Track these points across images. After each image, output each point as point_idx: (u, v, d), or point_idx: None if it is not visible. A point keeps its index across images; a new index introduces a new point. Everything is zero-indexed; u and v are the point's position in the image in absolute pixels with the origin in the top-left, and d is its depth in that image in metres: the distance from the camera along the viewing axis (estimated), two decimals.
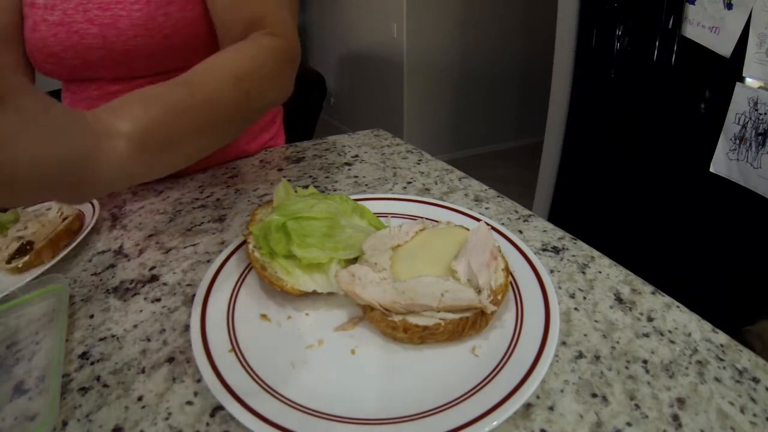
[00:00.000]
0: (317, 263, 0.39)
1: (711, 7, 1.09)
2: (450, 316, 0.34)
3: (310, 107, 2.30)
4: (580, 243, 0.47)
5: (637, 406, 0.30)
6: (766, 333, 0.79)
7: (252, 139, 0.76)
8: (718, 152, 1.14)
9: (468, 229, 0.42)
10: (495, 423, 0.27)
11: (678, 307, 0.38)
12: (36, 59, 0.60)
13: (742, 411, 0.29)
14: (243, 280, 0.41)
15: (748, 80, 1.04)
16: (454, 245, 0.40)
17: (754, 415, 0.29)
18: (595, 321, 0.37)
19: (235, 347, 0.34)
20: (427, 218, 0.48)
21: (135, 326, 0.39)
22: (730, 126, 1.10)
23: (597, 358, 0.33)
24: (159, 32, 0.56)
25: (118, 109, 0.35)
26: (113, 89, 0.62)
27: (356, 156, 0.71)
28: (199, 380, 0.33)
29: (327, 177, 0.64)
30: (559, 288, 0.41)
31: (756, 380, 0.31)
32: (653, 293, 0.40)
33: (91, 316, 0.41)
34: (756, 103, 1.03)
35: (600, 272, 0.42)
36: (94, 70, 0.60)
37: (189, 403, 0.32)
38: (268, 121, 0.79)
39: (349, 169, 0.66)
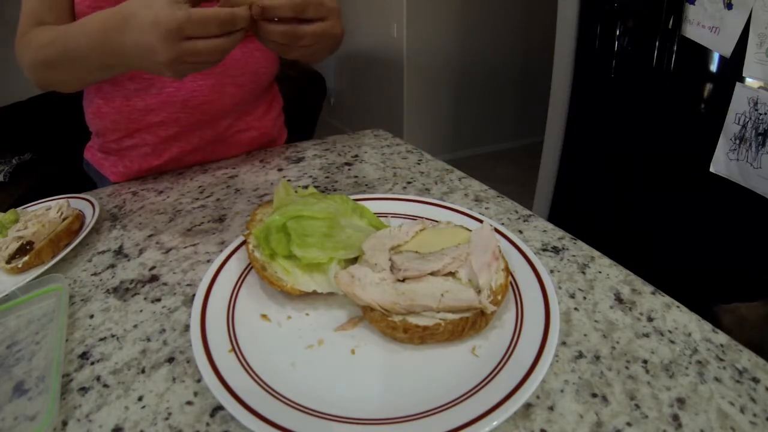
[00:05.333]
0: (317, 263, 0.39)
1: (711, 7, 1.09)
2: (450, 316, 0.34)
3: (310, 107, 2.30)
4: (580, 243, 0.47)
5: (637, 406, 0.30)
6: (738, 310, 0.80)
7: (266, 131, 0.77)
8: (718, 152, 1.14)
9: (468, 230, 0.42)
10: (495, 423, 0.27)
11: (678, 307, 0.38)
12: (93, 1, 0.56)
13: (742, 411, 0.29)
14: (243, 280, 0.41)
15: (748, 80, 1.04)
16: (454, 245, 0.40)
17: (754, 415, 0.29)
18: (595, 321, 0.37)
19: (235, 347, 0.34)
20: (427, 218, 0.48)
21: (135, 326, 0.39)
22: (730, 126, 1.09)
23: (597, 358, 0.33)
24: None
25: None
26: None
27: (356, 156, 0.71)
28: (199, 380, 0.33)
29: (327, 177, 0.64)
30: (559, 288, 0.41)
31: (756, 380, 0.31)
32: (653, 293, 0.40)
33: (91, 316, 0.41)
34: (756, 103, 1.03)
35: (600, 272, 0.42)
36: None
37: (189, 403, 0.32)
38: (276, 115, 0.79)
39: (349, 169, 0.66)
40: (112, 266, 0.48)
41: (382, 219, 0.47)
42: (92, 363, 0.35)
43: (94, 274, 0.47)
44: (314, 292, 0.38)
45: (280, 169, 0.68)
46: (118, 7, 0.43)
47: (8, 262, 0.48)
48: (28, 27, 0.57)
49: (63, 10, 0.58)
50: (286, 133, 0.85)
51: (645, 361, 0.33)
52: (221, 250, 0.46)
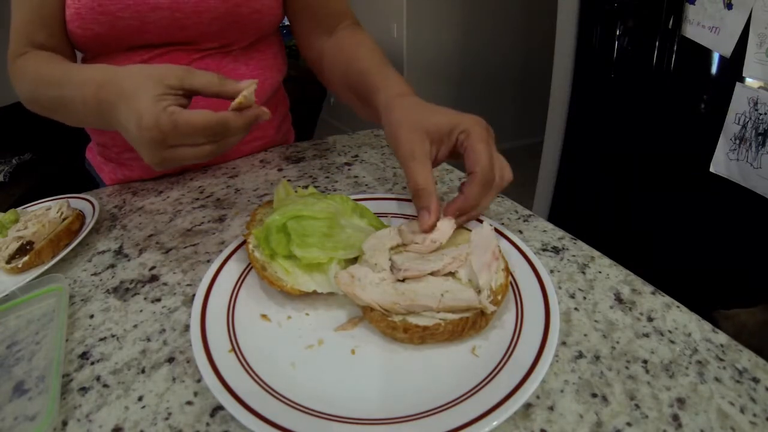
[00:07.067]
0: (317, 263, 0.39)
1: (711, 7, 1.09)
2: (450, 316, 0.34)
3: (310, 107, 2.30)
4: (580, 243, 0.47)
5: (637, 406, 0.30)
6: (738, 317, 0.80)
7: (269, 139, 0.77)
8: (718, 152, 1.14)
9: (468, 230, 0.42)
10: (495, 423, 0.27)
11: (678, 307, 0.38)
12: (82, 22, 0.55)
13: (742, 411, 0.29)
14: (243, 280, 0.41)
15: (748, 80, 1.04)
16: (454, 245, 0.40)
17: (754, 415, 0.29)
18: (595, 321, 0.37)
19: (235, 347, 0.34)
20: None
21: (135, 326, 0.39)
22: (730, 126, 1.10)
23: (597, 358, 0.33)
24: None
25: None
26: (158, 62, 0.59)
27: (356, 156, 0.71)
28: (199, 380, 0.33)
29: (327, 177, 0.64)
30: (559, 288, 0.41)
31: (756, 380, 0.31)
32: (653, 293, 0.40)
33: (91, 316, 0.41)
34: (756, 103, 1.03)
35: (600, 272, 0.42)
36: (141, 35, 0.57)
37: (189, 403, 0.32)
38: (280, 121, 0.79)
39: (349, 169, 0.66)
40: (112, 266, 0.48)
41: (382, 219, 0.47)
42: (92, 363, 0.35)
43: (94, 274, 0.47)
44: (314, 292, 0.38)
45: (280, 169, 0.68)
46: (113, 75, 0.41)
47: (8, 262, 0.48)
48: (21, 47, 0.56)
49: (55, 28, 0.56)
50: (293, 136, 0.85)
51: (645, 361, 0.33)
52: (221, 250, 0.46)
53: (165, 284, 0.44)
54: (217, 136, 0.38)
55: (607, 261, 0.44)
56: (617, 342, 0.35)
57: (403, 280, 0.37)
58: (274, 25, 0.67)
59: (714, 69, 1.13)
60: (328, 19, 0.64)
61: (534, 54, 2.96)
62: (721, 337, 0.35)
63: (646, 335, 0.35)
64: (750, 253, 1.13)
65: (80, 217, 0.54)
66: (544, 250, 0.46)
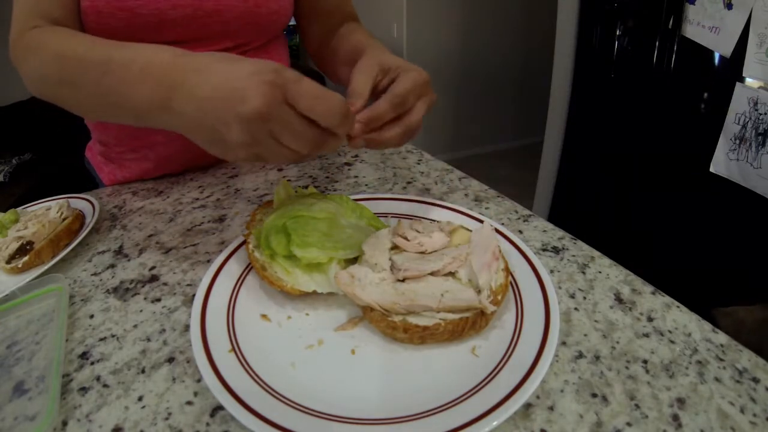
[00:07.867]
0: (317, 263, 0.39)
1: (711, 7, 1.09)
2: (450, 316, 0.34)
3: None
4: (580, 243, 0.47)
5: (637, 406, 0.30)
6: (737, 314, 0.80)
7: None
8: (718, 152, 1.14)
9: (468, 230, 0.42)
10: (495, 423, 0.27)
11: (678, 307, 0.38)
12: (97, 16, 0.52)
13: (742, 411, 0.29)
14: (243, 280, 0.41)
15: (748, 80, 1.04)
16: (454, 245, 0.40)
17: (754, 415, 0.29)
18: (595, 321, 0.37)
19: (235, 347, 0.34)
20: (427, 218, 0.48)
21: (135, 326, 0.39)
22: (730, 126, 1.10)
23: (597, 358, 0.33)
24: None
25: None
26: None
27: (356, 156, 0.71)
28: (199, 380, 0.33)
29: (327, 177, 0.64)
30: (559, 288, 0.41)
31: (756, 380, 0.31)
32: (653, 293, 0.40)
33: (91, 316, 0.41)
34: (756, 103, 1.03)
35: (600, 272, 0.42)
36: (159, 33, 0.55)
37: (189, 403, 0.32)
38: None
39: (349, 169, 0.66)
40: (112, 266, 0.48)
41: (382, 219, 0.47)
42: (92, 363, 0.35)
43: (94, 274, 0.47)
44: (314, 292, 0.38)
45: (280, 169, 0.68)
46: (191, 56, 0.37)
47: (8, 262, 0.48)
48: (33, 19, 0.49)
49: (70, 12, 0.52)
50: None
51: (645, 361, 0.33)
52: (221, 250, 0.46)
53: (165, 284, 0.44)
54: (334, 122, 0.33)
55: (607, 261, 0.44)
56: (617, 342, 0.35)
57: (403, 280, 0.37)
58: (285, 26, 0.68)
59: (714, 69, 1.13)
60: (333, 21, 0.65)
61: (534, 54, 2.96)
62: (721, 337, 0.35)
63: (646, 335, 0.35)
64: (750, 253, 1.13)
65: (80, 217, 0.54)
66: (544, 250, 0.46)
